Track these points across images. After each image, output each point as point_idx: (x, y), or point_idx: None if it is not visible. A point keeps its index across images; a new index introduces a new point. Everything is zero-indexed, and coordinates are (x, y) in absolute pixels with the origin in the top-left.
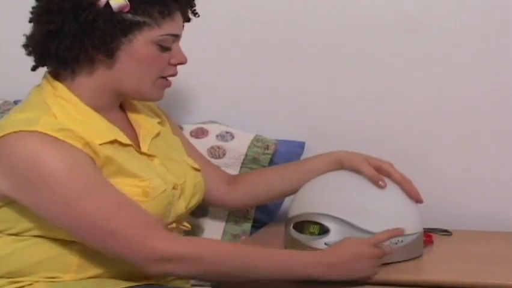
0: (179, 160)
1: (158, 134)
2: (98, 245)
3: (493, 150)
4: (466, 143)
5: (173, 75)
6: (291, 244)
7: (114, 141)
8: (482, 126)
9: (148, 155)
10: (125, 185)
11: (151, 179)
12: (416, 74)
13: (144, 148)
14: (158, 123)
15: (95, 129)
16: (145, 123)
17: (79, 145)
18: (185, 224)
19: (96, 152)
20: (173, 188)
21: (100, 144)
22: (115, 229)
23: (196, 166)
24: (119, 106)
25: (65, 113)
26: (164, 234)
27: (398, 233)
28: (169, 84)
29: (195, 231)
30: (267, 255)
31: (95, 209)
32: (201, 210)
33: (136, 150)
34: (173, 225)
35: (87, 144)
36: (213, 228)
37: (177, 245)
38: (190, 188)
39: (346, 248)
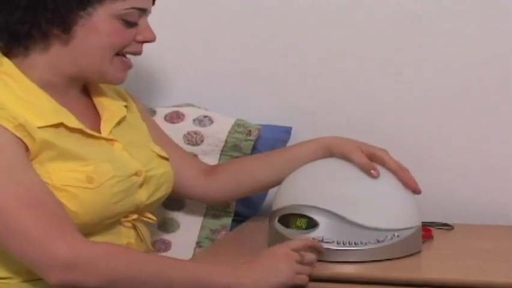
0: (144, 147)
1: (123, 119)
2: (0, 240)
3: (498, 139)
4: (470, 130)
5: (137, 53)
6: (276, 239)
7: (59, 125)
8: (488, 114)
9: (108, 140)
10: (66, 171)
11: (97, 163)
12: (416, 57)
13: (105, 132)
14: (125, 107)
15: (39, 110)
16: (110, 106)
17: (9, 126)
18: (150, 216)
19: (31, 135)
20: (136, 175)
21: (40, 127)
22: (19, 225)
23: (164, 154)
24: (82, 89)
25: (6, 90)
26: (72, 238)
27: (314, 244)
28: (129, 65)
29: (168, 226)
30: (183, 265)
31: (1, 196)
32: (176, 203)
33: (90, 134)
34: (135, 216)
35: (21, 126)
36: (190, 223)
37: (83, 249)
38: (156, 177)
39: (261, 255)
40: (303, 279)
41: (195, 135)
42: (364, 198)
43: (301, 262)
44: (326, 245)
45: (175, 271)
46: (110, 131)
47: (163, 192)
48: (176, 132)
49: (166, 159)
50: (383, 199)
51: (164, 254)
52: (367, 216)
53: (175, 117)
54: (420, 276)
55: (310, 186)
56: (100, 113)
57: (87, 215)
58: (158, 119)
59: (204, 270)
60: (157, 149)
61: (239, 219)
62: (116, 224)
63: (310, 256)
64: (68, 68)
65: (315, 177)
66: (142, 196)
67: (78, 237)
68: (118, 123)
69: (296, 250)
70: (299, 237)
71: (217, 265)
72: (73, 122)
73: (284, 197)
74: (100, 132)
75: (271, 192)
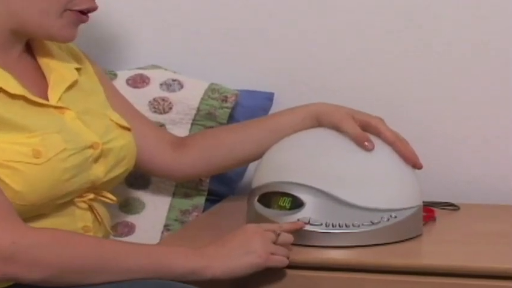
0: (100, 115)
1: (75, 83)
2: None
3: (510, 111)
4: (479, 98)
5: (90, 9)
6: (256, 221)
7: None
8: (500, 82)
9: (57, 107)
10: (8, 143)
11: (45, 135)
12: (415, 15)
13: (54, 99)
14: (77, 69)
15: None
16: (58, 68)
17: None
18: (108, 195)
19: None
20: (91, 147)
21: None
22: None
23: (124, 124)
24: (26, 48)
25: None
26: (10, 225)
27: (293, 227)
28: (82, 19)
29: (132, 206)
30: (140, 250)
31: None
32: (141, 181)
33: (35, 101)
34: (91, 195)
35: None
36: (156, 203)
37: (23, 237)
38: (115, 150)
39: (231, 233)
40: (279, 260)
41: (161, 102)
42: (357, 174)
43: (274, 240)
44: (312, 228)
45: (131, 257)
46: (60, 98)
47: (123, 167)
48: (140, 99)
49: (128, 129)
50: (379, 175)
51: (127, 238)
52: (360, 195)
53: (138, 81)
54: (420, 263)
55: (295, 161)
56: (47, 76)
57: (34, 194)
58: (119, 84)
59: (164, 254)
60: (117, 118)
61: (213, 198)
62: (69, 205)
63: (286, 236)
64: (8, 24)
65: (300, 150)
66: (99, 172)
67: (17, 224)
68: (69, 88)
69: (270, 230)
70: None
71: (179, 247)
72: (14, 87)
73: (265, 173)
74: (47, 99)
75: (251, 167)
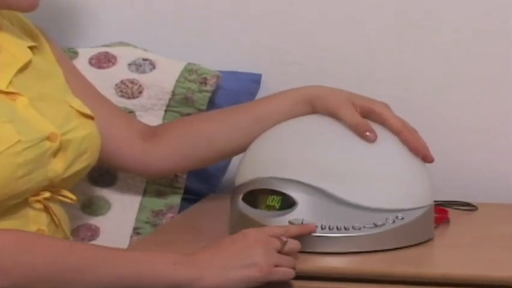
0: (58, 101)
1: (28, 64)
2: None
3: None
4: (502, 84)
5: None
6: (241, 224)
7: None
8: None
9: (7, 93)
10: None
11: None
12: None
13: (3, 83)
14: (31, 48)
15: None
16: (8, 47)
17: None
18: (67, 194)
19: None
20: (48, 139)
21: None
22: None
23: (87, 111)
24: None
25: None
26: None
27: (302, 231)
28: None
29: (96, 207)
30: (118, 256)
31: None
32: (106, 177)
33: None
34: (47, 194)
35: None
36: (125, 203)
37: None
38: (76, 142)
39: (227, 239)
40: (284, 273)
41: (130, 85)
42: (357, 169)
43: (281, 251)
44: None
45: (106, 265)
46: (10, 81)
47: (85, 162)
48: (104, 81)
49: (91, 117)
50: (383, 170)
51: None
52: (361, 193)
53: (103, 61)
54: (431, 272)
55: (286, 153)
56: None
57: None
58: (81, 63)
59: (145, 261)
60: (78, 104)
61: (191, 197)
62: (22, 206)
63: (293, 243)
64: None
65: (292, 141)
66: (57, 167)
67: None
68: (21, 70)
69: (275, 236)
70: (280, 226)
71: (164, 254)
72: None
73: (251, 168)
74: None
75: (234, 161)
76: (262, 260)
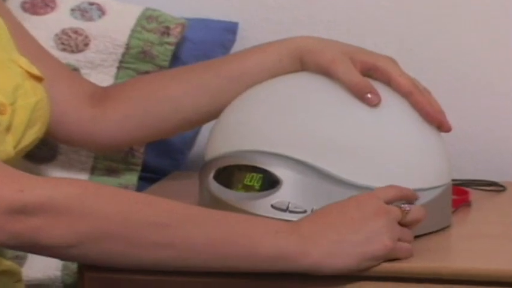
0: (6, 63)
1: None
2: None
3: None
4: None
5: None
6: (212, 207)
7: None
8: None
9: None
10: None
11: None
12: None
13: None
14: None
15: None
16: None
17: None
18: None
19: None
20: None
21: None
22: None
23: (36, 72)
24: None
25: None
26: (8, 175)
27: (410, 195)
28: None
29: None
30: (196, 210)
31: None
32: (45, 151)
33: None
34: None
35: None
36: None
37: (36, 188)
38: (26, 112)
39: (339, 206)
40: (407, 250)
41: (74, 36)
42: (356, 140)
43: (401, 222)
44: (293, 217)
45: (196, 224)
46: None
47: (34, 135)
48: (41, 31)
49: (40, 79)
50: (387, 141)
51: None
52: (361, 169)
53: (39, 5)
54: (447, 266)
55: (268, 121)
56: None
57: None
58: (11, 9)
59: (242, 223)
60: (26, 64)
61: (150, 176)
62: None
63: (417, 212)
64: None
65: (275, 106)
66: (9, 146)
67: (14, 173)
68: None
69: (390, 202)
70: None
71: (263, 218)
72: None
73: (224, 139)
74: None
75: (204, 131)
76: (386, 234)
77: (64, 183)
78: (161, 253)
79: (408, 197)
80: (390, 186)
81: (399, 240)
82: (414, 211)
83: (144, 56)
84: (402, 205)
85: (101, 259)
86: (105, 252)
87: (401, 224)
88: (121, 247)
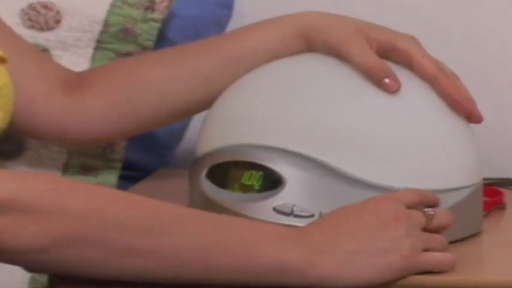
0: None
1: None
2: None
3: None
4: None
5: None
6: (205, 209)
7: None
8: None
9: None
10: None
11: None
12: None
13: None
14: None
15: None
16: None
17: None
18: None
19: None
20: None
21: None
22: None
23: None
24: None
25: None
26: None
27: (432, 199)
28: None
29: None
30: (188, 212)
31: None
32: (9, 146)
33: None
34: None
35: None
36: None
37: (1, 182)
38: None
39: (350, 210)
40: (439, 261)
41: (43, 11)
42: (372, 133)
43: (426, 228)
44: (299, 221)
45: (187, 228)
46: None
47: None
48: (5, 5)
49: (3, 60)
50: (408, 134)
51: None
52: (378, 167)
53: None
54: (477, 280)
55: (270, 111)
56: None
57: None
58: None
59: (240, 228)
60: None
61: (133, 174)
62: None
63: (443, 216)
64: None
65: (278, 93)
66: None
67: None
68: None
69: (411, 206)
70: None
71: (264, 223)
72: None
73: (219, 132)
74: None
75: (195, 123)
76: (406, 242)
77: (33, 178)
78: (145, 261)
79: (430, 201)
80: (410, 190)
81: (426, 250)
82: (440, 215)
83: (125, 34)
84: (426, 209)
85: (76, 267)
86: (80, 259)
87: (427, 230)
88: (99, 253)
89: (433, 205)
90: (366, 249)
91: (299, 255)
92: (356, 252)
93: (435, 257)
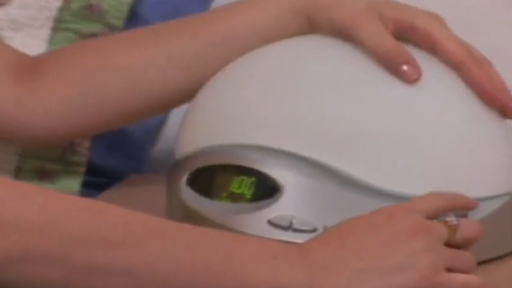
0: None
1: None
2: None
3: None
4: None
5: None
6: (186, 221)
7: None
8: None
9: None
10: None
11: None
12: None
13: None
14: None
15: None
16: None
17: None
18: None
19: None
20: None
21: None
22: None
23: None
24: None
25: None
26: None
27: (466, 204)
28: None
29: None
30: (166, 224)
31: None
32: None
33: None
34: None
35: None
36: None
37: None
38: None
39: (359, 223)
40: (464, 283)
41: None
42: (386, 132)
43: (451, 242)
44: (298, 236)
45: (167, 244)
46: None
47: None
48: None
49: None
50: (430, 132)
51: None
52: (393, 172)
53: None
54: None
55: (263, 104)
56: None
57: None
58: None
59: (228, 244)
60: None
61: (99, 181)
62: None
63: (469, 227)
64: None
65: (274, 83)
66: None
67: None
68: None
69: (435, 215)
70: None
71: (256, 238)
72: None
73: (202, 130)
74: None
75: (174, 119)
76: (425, 259)
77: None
78: (114, 282)
79: (459, 207)
80: (432, 195)
81: (450, 269)
82: (465, 226)
83: (90, 12)
84: (448, 218)
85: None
86: (38, 277)
87: (450, 245)
88: (59, 271)
89: (463, 213)
90: (378, 268)
91: (297, 276)
92: (365, 271)
93: (460, 279)
